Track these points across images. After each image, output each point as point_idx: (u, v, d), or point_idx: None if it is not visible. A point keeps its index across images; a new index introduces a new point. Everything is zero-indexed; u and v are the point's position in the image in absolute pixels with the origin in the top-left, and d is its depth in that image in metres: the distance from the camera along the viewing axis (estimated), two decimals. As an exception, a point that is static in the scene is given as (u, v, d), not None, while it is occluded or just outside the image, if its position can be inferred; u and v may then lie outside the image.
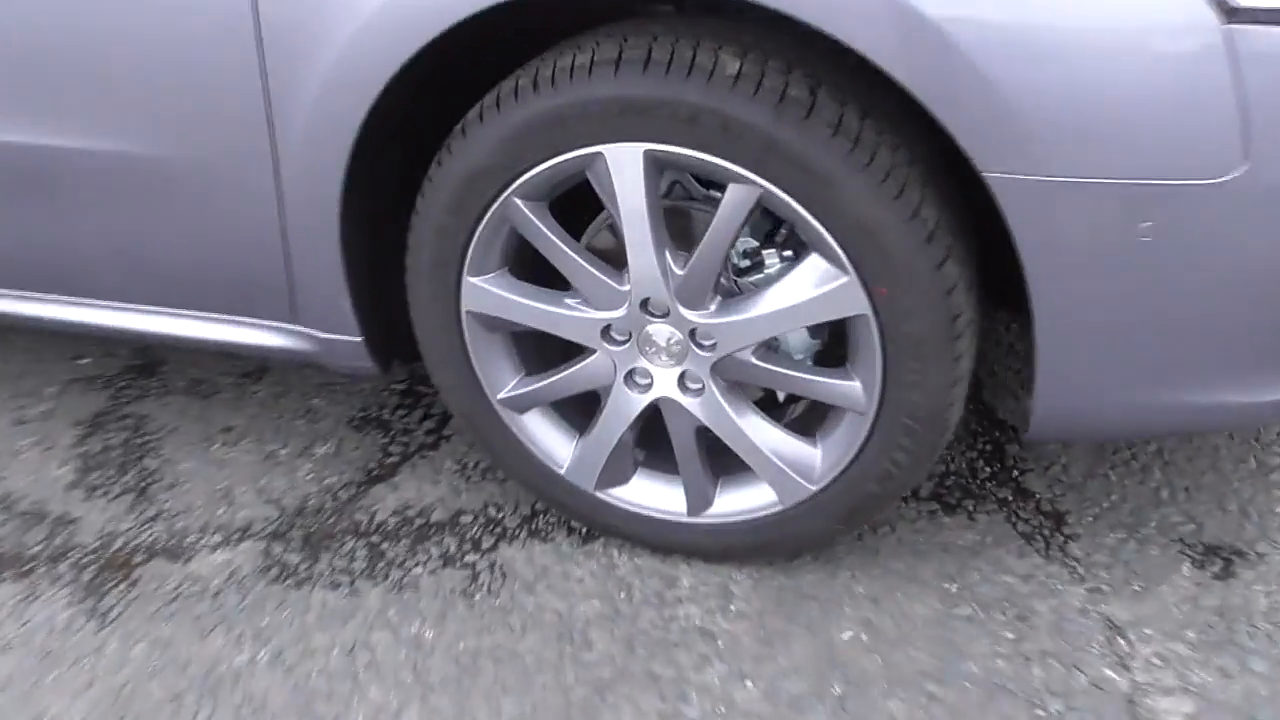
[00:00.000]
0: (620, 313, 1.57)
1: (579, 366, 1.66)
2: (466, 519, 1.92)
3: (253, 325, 1.83)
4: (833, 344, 1.62)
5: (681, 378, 1.62)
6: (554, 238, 1.55)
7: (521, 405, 1.73)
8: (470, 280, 1.62)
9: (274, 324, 1.82)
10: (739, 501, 1.70)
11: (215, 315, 1.85)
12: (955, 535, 1.81)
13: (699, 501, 1.71)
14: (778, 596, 1.72)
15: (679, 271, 1.51)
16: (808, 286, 1.46)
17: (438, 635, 1.68)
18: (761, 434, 1.62)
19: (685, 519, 1.73)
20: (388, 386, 2.28)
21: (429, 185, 1.58)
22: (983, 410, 2.10)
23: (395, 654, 1.65)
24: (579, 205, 1.61)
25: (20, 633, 1.72)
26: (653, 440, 1.74)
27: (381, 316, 1.79)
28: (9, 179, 1.78)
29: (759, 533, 1.70)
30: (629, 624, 1.68)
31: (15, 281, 1.93)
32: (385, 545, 1.87)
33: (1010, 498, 1.88)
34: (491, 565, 1.82)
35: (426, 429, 2.15)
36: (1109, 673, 1.55)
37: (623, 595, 1.74)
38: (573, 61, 1.43)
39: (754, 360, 1.55)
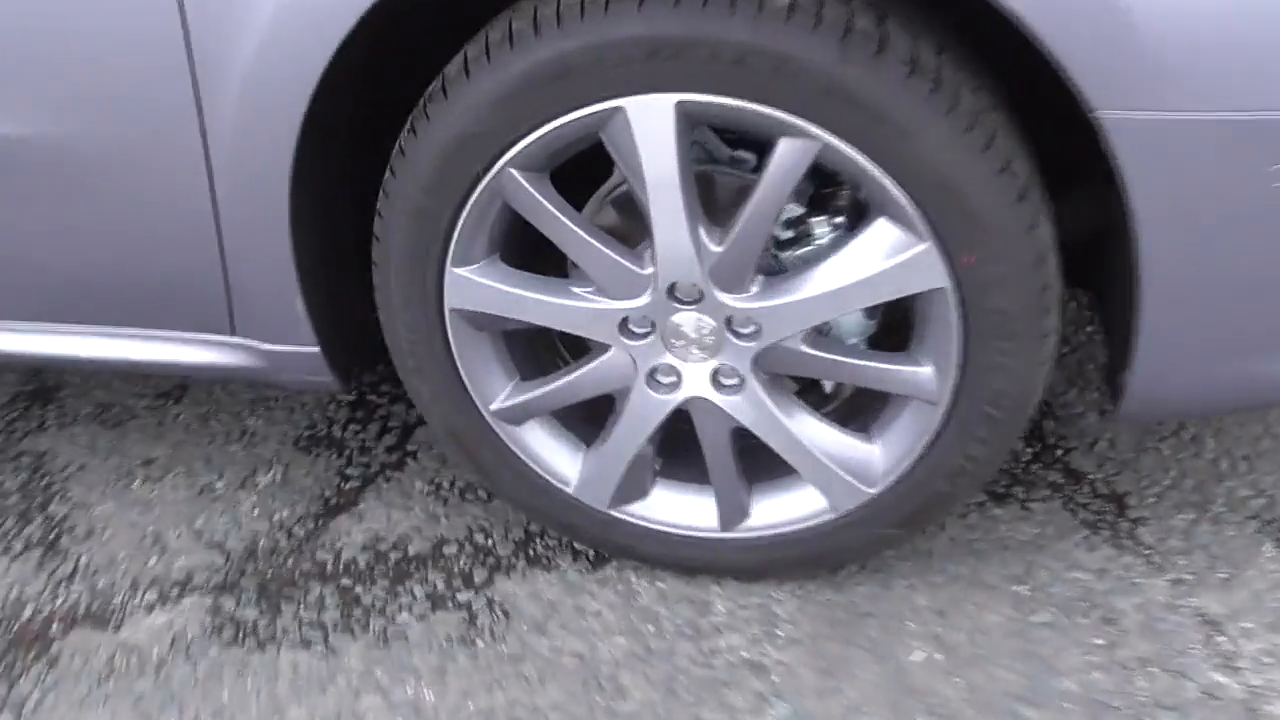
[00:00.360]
0: (642, 301, 1.32)
1: (590, 367, 1.40)
2: (451, 549, 1.65)
3: (180, 340, 1.52)
4: (888, 324, 1.39)
5: (714, 373, 1.37)
6: (560, 215, 1.29)
7: (518, 416, 1.47)
8: (455, 272, 1.35)
9: (207, 337, 1.51)
10: (780, 511, 1.47)
11: (132, 331, 1.54)
12: (1012, 529, 1.61)
13: (734, 514, 1.47)
14: (829, 616, 1.49)
15: (715, 249, 1.26)
16: (875, 258, 1.23)
17: (439, 696, 1.42)
18: (812, 433, 1.38)
19: (718, 534, 1.49)
20: (334, 398, 1.98)
21: (400, 161, 1.30)
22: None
23: (391, 725, 1.38)
24: (565, 177, 1.35)
25: (-85, 737, 1.40)
26: (670, 444, 1.49)
27: (340, 320, 1.50)
28: None
29: (806, 545, 1.47)
30: (665, 662, 1.44)
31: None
32: (359, 589, 1.59)
33: (1061, 481, 1.69)
34: (490, 603, 1.55)
35: (387, 445, 1.86)
36: (1219, 678, 1.37)
37: (651, 628, 1.49)
38: (582, -3, 1.16)
39: (804, 348, 1.32)
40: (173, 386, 2.03)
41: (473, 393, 1.44)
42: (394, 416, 1.92)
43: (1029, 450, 1.76)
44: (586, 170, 1.35)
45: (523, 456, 1.49)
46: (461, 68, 1.22)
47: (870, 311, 1.36)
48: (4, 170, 1.38)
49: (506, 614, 1.53)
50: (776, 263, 1.35)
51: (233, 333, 1.50)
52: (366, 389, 1.99)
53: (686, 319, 1.33)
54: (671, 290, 1.31)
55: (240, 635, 1.52)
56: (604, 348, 1.38)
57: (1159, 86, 1.08)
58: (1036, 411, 1.84)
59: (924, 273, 1.22)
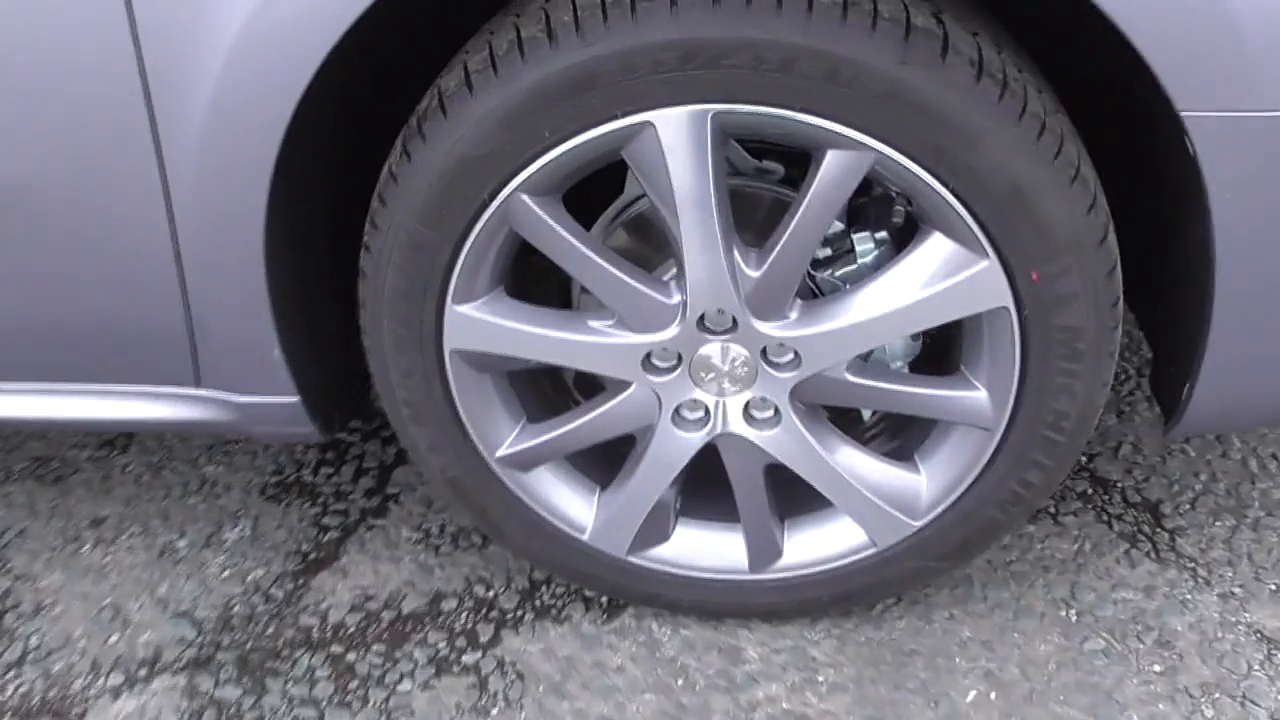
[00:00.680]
0: (670, 333, 1.19)
1: (609, 406, 1.27)
2: (450, 604, 1.50)
3: (138, 395, 1.35)
4: (932, 346, 1.29)
5: (746, 407, 1.25)
6: (578, 243, 1.15)
7: (527, 462, 1.33)
8: (456, 309, 1.20)
9: (169, 390, 1.34)
10: (816, 547, 1.36)
11: (82, 387, 1.36)
12: (1049, 547, 1.52)
13: (766, 554, 1.36)
14: (871, 656, 1.39)
15: (753, 273, 1.14)
16: (930, 277, 1.12)
17: (457, 778, 1.28)
18: (854, 465, 1.27)
19: (748, 576, 1.37)
20: (300, 438, 1.81)
21: (391, 188, 1.15)
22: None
23: (407, 815, 1.24)
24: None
25: None
26: (690, 478, 1.37)
27: (321, 366, 1.34)
28: None
29: (843, 583, 1.36)
30: (701, 722, 1.32)
31: None
32: (353, 656, 1.44)
33: (1090, 490, 1.61)
34: (500, 664, 1.41)
35: (365, 488, 1.71)
36: (1289, 700, 1.30)
37: (680, 682, 1.37)
38: (603, -2, 1.03)
39: (849, 377, 1.20)
40: (117, 435, 1.84)
41: (476, 439, 1.30)
42: (369, 456, 1.76)
43: (1051, 459, 1.67)
44: (582, 186, 1.22)
45: (532, 505, 1.35)
46: (463, 82, 1.08)
47: (916, 333, 1.26)
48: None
49: (520, 675, 1.39)
50: (813, 284, 1.23)
51: (198, 384, 1.33)
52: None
53: (716, 350, 1.21)
54: (701, 320, 1.18)
55: (223, 719, 1.36)
56: (623, 384, 1.25)
57: (1261, 83, 0.98)
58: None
59: (986, 291, 1.11)
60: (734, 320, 1.18)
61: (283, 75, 1.05)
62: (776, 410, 1.25)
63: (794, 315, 1.17)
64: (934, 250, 1.12)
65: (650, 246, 1.27)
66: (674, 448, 1.28)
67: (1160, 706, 1.30)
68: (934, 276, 1.12)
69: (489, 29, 1.11)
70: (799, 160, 1.23)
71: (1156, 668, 1.35)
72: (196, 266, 1.21)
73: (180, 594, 1.54)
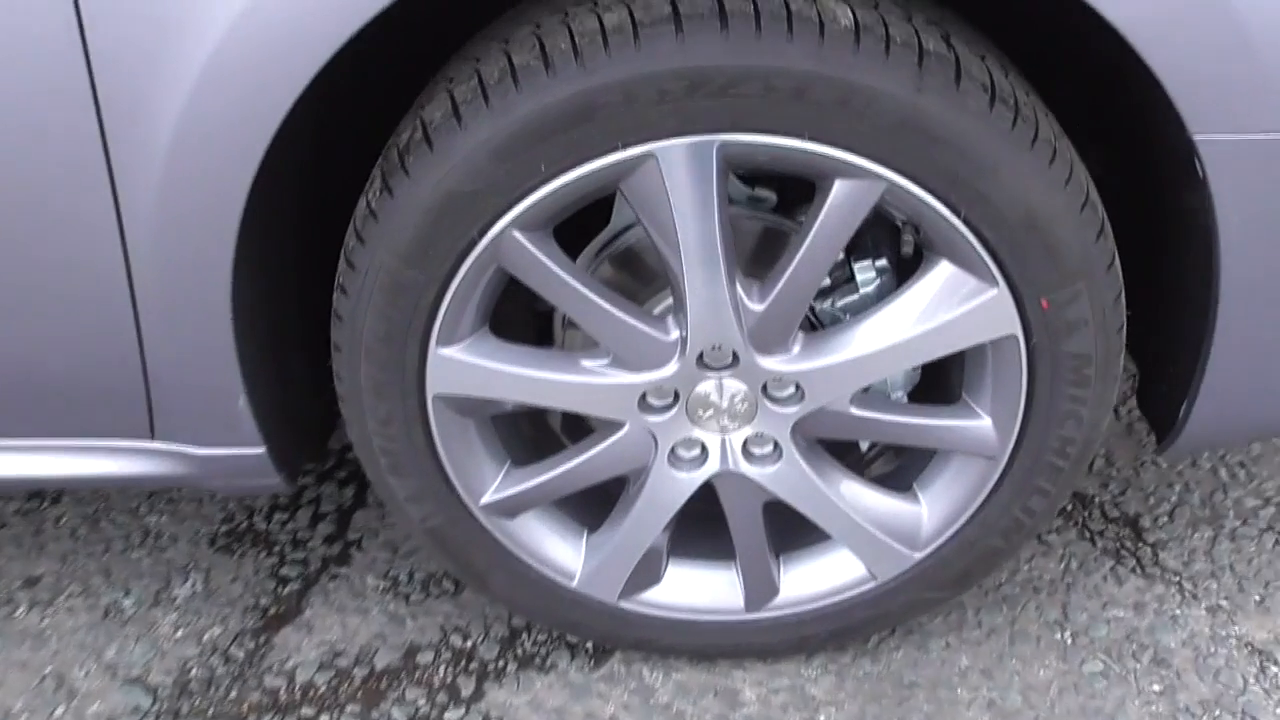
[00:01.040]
0: (668, 371, 1.14)
1: (601, 449, 1.21)
2: (426, 657, 1.42)
3: (85, 450, 1.25)
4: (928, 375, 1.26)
5: (745, 444, 1.20)
6: (571, 279, 1.09)
7: (512, 509, 1.26)
8: (440, 352, 1.13)
9: (119, 443, 1.24)
10: (813, 582, 1.32)
11: (16, 442, 1.25)
12: (1037, 568, 1.51)
13: (762, 592, 1.31)
14: (872, 691, 1.35)
15: (756, 307, 1.09)
16: (937, 306, 1.09)
17: None
18: (854, 498, 1.24)
19: (745, 616, 1.33)
20: (249, 482, 1.71)
21: (371, 225, 1.07)
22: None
23: None
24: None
25: None
26: (680, 516, 1.32)
27: (287, 415, 1.26)
28: None
29: (843, 617, 1.32)
30: (704, 772, 1.27)
31: None
32: (326, 719, 1.35)
33: (1070, 507, 1.60)
34: (485, 719, 1.34)
35: (324, 535, 1.61)
36: (1286, 715, 1.31)
37: (678, 730, 1.32)
38: (601, 24, 0.97)
39: (853, 410, 1.17)
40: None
41: (459, 488, 1.23)
42: (326, 499, 1.67)
43: (1027, 475, 1.66)
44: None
45: (518, 553, 1.28)
46: (450, 112, 1.01)
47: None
48: None
49: (508, 731, 1.33)
50: (813, 316, 1.19)
51: (152, 436, 1.23)
52: (285, 467, 1.72)
53: (714, 387, 1.16)
54: (699, 356, 1.13)
55: (190, 798, 1.27)
56: (615, 425, 1.19)
57: (1263, 108, 0.97)
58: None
59: (995, 319, 1.09)
60: (734, 355, 1.13)
61: (258, 106, 0.97)
62: (776, 446, 1.20)
63: (797, 349, 1.13)
64: (940, 279, 1.09)
65: (638, 280, 1.22)
66: (670, 489, 1.23)
67: (1163, 728, 1.30)
68: (942, 305, 1.09)
69: (473, 55, 1.04)
70: (792, 186, 1.20)
71: (1156, 687, 1.35)
72: (154, 312, 1.11)
73: (130, 658, 1.43)
